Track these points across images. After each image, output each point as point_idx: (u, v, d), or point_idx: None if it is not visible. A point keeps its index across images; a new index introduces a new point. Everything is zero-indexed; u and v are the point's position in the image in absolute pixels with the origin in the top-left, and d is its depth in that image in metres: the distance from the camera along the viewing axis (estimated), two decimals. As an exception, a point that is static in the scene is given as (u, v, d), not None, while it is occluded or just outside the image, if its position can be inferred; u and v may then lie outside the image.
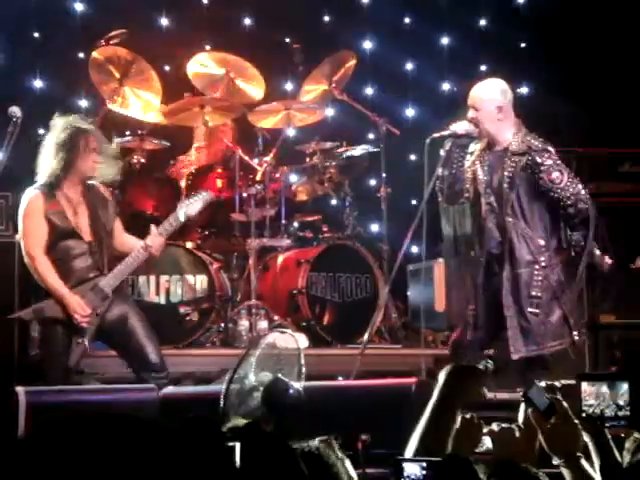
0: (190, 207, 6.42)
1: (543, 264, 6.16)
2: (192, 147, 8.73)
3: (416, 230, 6.09)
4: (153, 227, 6.36)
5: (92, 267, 6.23)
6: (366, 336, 6.83)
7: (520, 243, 6.16)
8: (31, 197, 6.25)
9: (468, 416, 3.29)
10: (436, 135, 6.44)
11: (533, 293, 6.15)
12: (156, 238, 6.30)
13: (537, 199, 6.20)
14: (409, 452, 3.19)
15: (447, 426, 3.20)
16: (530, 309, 6.15)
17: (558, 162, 6.20)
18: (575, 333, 6.22)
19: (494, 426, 3.28)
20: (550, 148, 6.24)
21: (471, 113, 6.33)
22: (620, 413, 2.81)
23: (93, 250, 6.23)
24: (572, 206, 6.15)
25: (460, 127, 6.32)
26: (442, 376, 3.36)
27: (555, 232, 6.24)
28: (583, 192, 6.19)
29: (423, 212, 6.34)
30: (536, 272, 6.14)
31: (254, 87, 8.70)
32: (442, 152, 6.33)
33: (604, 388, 2.77)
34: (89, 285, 6.20)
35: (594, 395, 2.80)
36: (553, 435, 2.91)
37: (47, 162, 6.24)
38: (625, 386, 2.81)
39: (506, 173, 6.20)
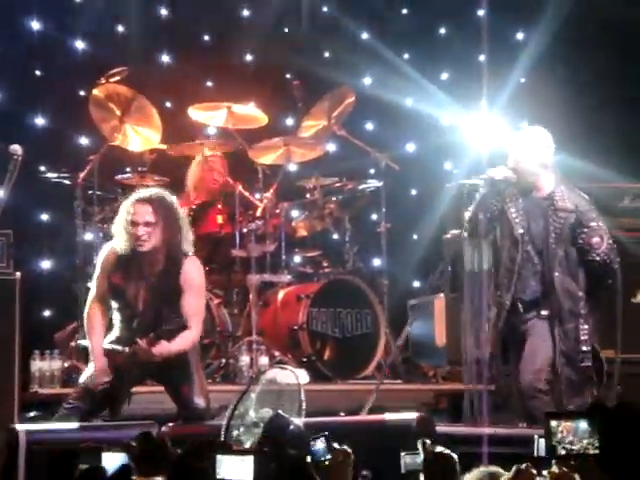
0: None
1: (583, 316, 6.25)
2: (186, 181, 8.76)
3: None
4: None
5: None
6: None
7: (566, 298, 6.26)
8: (106, 251, 6.22)
9: (523, 467, 3.23)
10: (471, 182, 6.50)
11: (584, 348, 6.22)
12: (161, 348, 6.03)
13: (577, 253, 6.29)
14: None
15: None
16: (582, 364, 6.22)
17: (600, 224, 6.29)
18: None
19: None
20: (593, 206, 6.34)
21: (512, 163, 6.36)
22: (591, 451, 2.75)
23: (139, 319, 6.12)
24: (602, 262, 6.27)
25: (499, 173, 6.35)
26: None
27: (585, 282, 6.33)
28: (614, 249, 6.30)
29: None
30: (581, 325, 6.23)
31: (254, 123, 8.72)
32: (478, 196, 6.36)
33: (583, 424, 2.72)
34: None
35: (572, 431, 2.75)
36: None
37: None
38: (585, 423, 2.75)
39: (552, 228, 6.28)
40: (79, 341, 6.44)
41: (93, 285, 6.26)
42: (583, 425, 2.74)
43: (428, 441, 3.29)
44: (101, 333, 6.16)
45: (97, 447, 2.58)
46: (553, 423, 2.74)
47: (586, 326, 6.25)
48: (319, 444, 3.19)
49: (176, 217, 6.20)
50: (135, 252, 6.10)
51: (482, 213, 6.35)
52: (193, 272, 6.20)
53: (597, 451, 2.68)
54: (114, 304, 6.16)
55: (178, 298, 6.10)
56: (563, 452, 2.77)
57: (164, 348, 5.96)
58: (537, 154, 6.34)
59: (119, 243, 6.14)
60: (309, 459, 3.14)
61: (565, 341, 6.23)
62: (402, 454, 3.42)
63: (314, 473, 2.39)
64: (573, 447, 2.77)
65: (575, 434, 2.74)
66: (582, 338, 6.23)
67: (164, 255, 6.13)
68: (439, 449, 3.24)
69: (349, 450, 3.11)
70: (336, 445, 3.15)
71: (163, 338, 5.95)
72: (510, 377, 6.38)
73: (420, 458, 3.27)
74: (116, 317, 6.17)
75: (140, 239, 6.07)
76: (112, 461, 2.57)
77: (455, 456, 3.28)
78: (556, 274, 6.25)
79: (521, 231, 6.32)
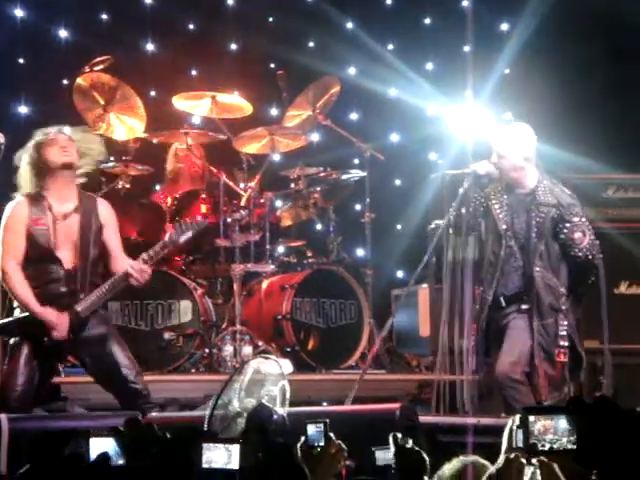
0: (180, 235, 6.21)
1: (564, 311, 6.25)
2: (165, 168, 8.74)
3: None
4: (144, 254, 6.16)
5: (67, 294, 6.00)
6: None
7: (546, 293, 6.25)
8: (15, 204, 6.07)
9: (513, 456, 3.23)
10: (454, 172, 6.50)
11: (561, 343, 6.23)
12: (139, 265, 6.06)
13: (558, 248, 6.29)
14: None
15: None
16: (558, 359, 6.22)
17: (583, 219, 6.29)
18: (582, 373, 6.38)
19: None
20: (576, 201, 6.33)
21: (495, 158, 6.36)
22: (569, 447, 2.72)
23: (70, 278, 6.00)
24: (584, 258, 6.27)
25: (482, 168, 6.35)
26: None
27: (566, 277, 6.33)
28: (596, 244, 6.29)
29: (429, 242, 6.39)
30: (561, 321, 6.23)
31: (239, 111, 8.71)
32: (461, 190, 6.36)
33: (562, 421, 2.69)
34: (63, 307, 5.96)
35: (551, 428, 2.72)
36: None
37: (24, 177, 6.08)
38: (564, 420, 2.73)
39: (534, 222, 6.27)
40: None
41: (3, 245, 6.02)
42: (562, 422, 2.72)
43: (399, 435, 3.28)
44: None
45: (86, 432, 2.58)
46: (531, 418, 2.73)
47: (565, 322, 6.25)
48: (315, 430, 3.18)
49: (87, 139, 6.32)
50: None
51: (465, 208, 6.37)
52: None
53: (574, 446, 2.67)
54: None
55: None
56: (543, 449, 2.76)
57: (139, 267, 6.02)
58: (520, 150, 6.34)
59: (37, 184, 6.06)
60: (302, 440, 3.14)
61: (544, 336, 6.23)
62: (373, 449, 3.41)
63: (301, 461, 2.39)
64: (553, 445, 2.75)
65: (555, 432, 2.73)
66: (561, 333, 6.24)
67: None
68: (409, 445, 3.24)
69: (344, 445, 3.10)
70: (332, 435, 3.14)
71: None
72: (490, 369, 6.39)
73: (391, 453, 3.26)
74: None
75: (66, 149, 6.05)
76: (100, 446, 2.58)
77: (424, 454, 3.28)
78: (537, 269, 6.25)
79: (504, 227, 6.33)
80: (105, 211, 6.21)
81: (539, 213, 6.29)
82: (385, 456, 3.35)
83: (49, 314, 5.93)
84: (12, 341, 6.04)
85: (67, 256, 6.05)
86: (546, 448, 2.70)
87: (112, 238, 6.19)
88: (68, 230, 6.06)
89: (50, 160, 6.06)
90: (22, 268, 6.00)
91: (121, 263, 6.12)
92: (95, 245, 6.09)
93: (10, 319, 6.11)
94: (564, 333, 6.24)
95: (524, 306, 6.27)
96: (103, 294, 6.07)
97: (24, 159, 6.13)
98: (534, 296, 6.24)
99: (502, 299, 6.30)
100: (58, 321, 5.93)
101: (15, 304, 6.11)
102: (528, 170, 6.36)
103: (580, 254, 6.26)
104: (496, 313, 6.34)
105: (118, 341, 6.14)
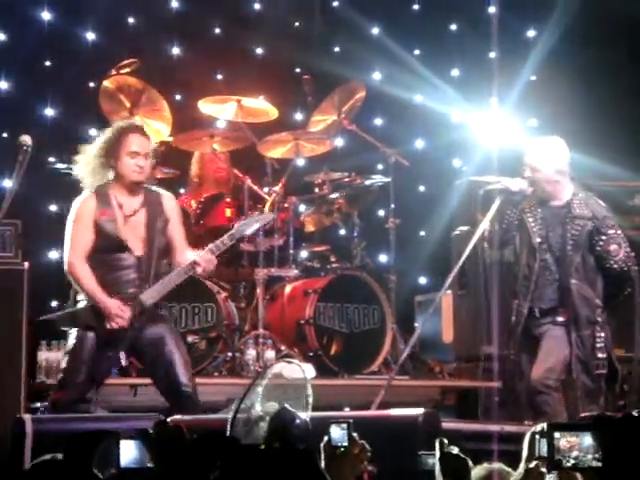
0: (247, 227, 6.35)
1: (600, 323, 6.24)
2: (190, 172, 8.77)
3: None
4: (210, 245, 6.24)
5: (136, 282, 6.09)
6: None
7: (582, 305, 6.26)
8: (83, 199, 6.17)
9: (532, 465, 3.23)
10: (479, 179, 6.51)
11: (599, 355, 6.23)
12: (206, 255, 6.17)
13: (594, 260, 6.30)
14: None
15: None
16: (597, 371, 6.21)
17: (618, 232, 6.32)
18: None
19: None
20: (610, 213, 6.34)
21: (528, 173, 6.37)
22: (594, 464, 2.70)
23: (141, 266, 6.10)
24: (619, 270, 6.28)
25: (514, 185, 6.37)
26: None
27: (602, 290, 6.32)
28: (632, 256, 6.29)
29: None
30: (597, 333, 6.22)
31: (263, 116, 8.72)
32: (493, 207, 6.36)
33: (588, 439, 2.66)
34: (128, 297, 6.06)
35: (577, 446, 2.69)
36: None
37: (91, 166, 6.16)
38: (589, 438, 2.70)
39: (569, 235, 6.29)
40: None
41: (70, 240, 6.15)
42: (587, 439, 2.70)
43: (446, 441, 3.29)
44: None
45: (116, 433, 2.59)
46: (556, 435, 2.71)
47: (602, 334, 6.26)
48: (339, 430, 3.18)
49: (155, 153, 6.37)
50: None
51: (497, 224, 6.38)
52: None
53: (600, 464, 2.65)
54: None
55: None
56: (567, 465, 2.74)
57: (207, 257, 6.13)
58: (553, 163, 6.35)
59: (104, 178, 6.15)
60: (325, 440, 3.14)
61: (581, 348, 6.24)
62: (419, 453, 3.42)
63: (324, 470, 2.39)
64: (578, 462, 2.73)
65: (580, 449, 2.71)
66: (598, 345, 6.24)
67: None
68: (455, 450, 3.25)
69: (367, 446, 3.10)
70: (355, 435, 3.14)
71: None
72: (520, 377, 6.39)
73: (435, 458, 3.26)
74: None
75: (142, 170, 6.13)
76: (129, 448, 2.59)
77: (468, 459, 3.28)
78: (573, 281, 6.26)
79: (539, 240, 6.33)
80: (170, 205, 6.32)
81: (575, 226, 6.30)
82: (429, 461, 3.37)
83: (113, 302, 6.01)
84: (74, 333, 6.11)
85: (136, 245, 6.13)
86: (570, 464, 2.69)
87: (176, 231, 6.28)
88: (135, 223, 6.16)
89: (121, 172, 6.16)
90: (91, 259, 6.09)
91: (186, 255, 6.22)
92: (161, 238, 6.18)
93: (72, 309, 6.22)
94: (601, 345, 6.24)
95: (560, 318, 6.28)
96: (168, 283, 6.14)
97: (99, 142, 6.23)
98: (571, 308, 6.24)
99: (537, 311, 6.31)
100: (121, 310, 6.00)
101: (79, 297, 6.19)
102: (562, 183, 6.37)
103: (615, 266, 6.26)
104: (530, 323, 6.35)
105: (176, 342, 6.19)
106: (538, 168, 6.34)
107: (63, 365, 6.13)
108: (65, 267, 6.18)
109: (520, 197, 6.40)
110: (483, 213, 6.43)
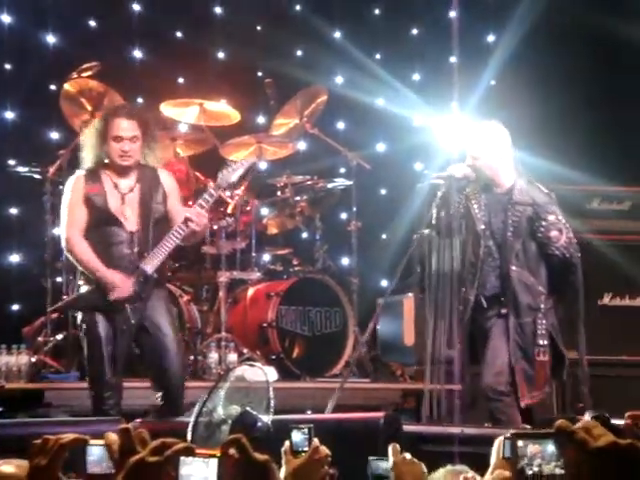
0: (230, 174, 6.36)
1: (543, 311, 6.24)
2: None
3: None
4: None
5: (133, 255, 6.08)
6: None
7: (523, 292, 6.24)
8: (74, 179, 6.21)
9: (470, 475, 3.24)
10: (433, 180, 6.52)
11: (540, 342, 6.22)
12: (197, 210, 6.19)
13: (536, 247, 6.29)
14: None
15: None
16: (538, 358, 6.22)
17: (559, 217, 6.27)
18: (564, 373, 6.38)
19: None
20: (552, 200, 6.32)
21: (470, 160, 6.38)
22: (557, 472, 2.72)
23: (135, 240, 6.08)
24: (561, 256, 6.25)
25: (458, 171, 6.36)
26: None
27: (546, 277, 6.32)
28: (574, 243, 6.28)
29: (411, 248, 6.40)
30: (539, 320, 6.22)
31: (226, 119, 8.72)
32: (439, 194, 6.37)
33: (551, 447, 2.68)
34: (129, 269, 6.05)
35: (540, 453, 2.72)
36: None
37: (86, 147, 6.22)
38: (552, 446, 2.72)
39: (510, 221, 6.27)
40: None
41: (66, 217, 6.17)
42: (550, 447, 2.73)
43: (398, 446, 3.27)
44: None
45: (83, 439, 2.58)
46: (520, 443, 2.73)
47: (544, 321, 6.23)
48: (300, 435, 3.17)
49: (154, 133, 6.33)
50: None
51: (444, 211, 6.38)
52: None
53: (562, 471, 2.68)
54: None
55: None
56: (531, 473, 2.76)
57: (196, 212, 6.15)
58: (494, 149, 6.35)
59: (95, 160, 6.17)
60: (286, 445, 3.13)
61: (521, 335, 6.21)
62: (370, 459, 3.39)
63: (279, 478, 2.39)
64: (542, 470, 2.76)
65: (543, 457, 2.73)
66: (539, 332, 6.23)
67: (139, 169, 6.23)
68: (408, 456, 3.23)
69: (328, 451, 3.09)
70: (316, 440, 3.13)
71: None
72: (478, 376, 6.40)
73: (388, 464, 3.24)
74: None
75: (126, 154, 6.12)
76: (95, 453, 2.58)
77: (422, 464, 3.27)
78: (513, 268, 6.24)
79: (482, 227, 6.34)
80: (167, 180, 6.34)
81: (515, 212, 6.29)
82: (382, 466, 3.31)
83: (113, 275, 6.01)
84: (82, 318, 6.11)
85: (130, 220, 6.13)
86: (535, 472, 2.72)
87: (176, 205, 6.32)
88: (132, 199, 6.16)
89: (109, 155, 6.18)
90: (87, 235, 6.10)
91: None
92: (159, 212, 6.18)
93: (75, 295, 6.24)
94: (543, 332, 6.23)
95: (504, 310, 6.28)
96: (165, 247, 6.13)
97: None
98: (511, 295, 6.24)
99: (482, 299, 6.30)
100: (122, 282, 6.01)
101: (81, 282, 6.18)
102: (503, 169, 6.37)
103: (557, 252, 6.24)
104: (479, 316, 6.34)
105: (174, 329, 6.22)
106: (477, 155, 6.36)
107: (85, 354, 6.12)
108: (63, 244, 6.20)
109: (465, 183, 6.41)
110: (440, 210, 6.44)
